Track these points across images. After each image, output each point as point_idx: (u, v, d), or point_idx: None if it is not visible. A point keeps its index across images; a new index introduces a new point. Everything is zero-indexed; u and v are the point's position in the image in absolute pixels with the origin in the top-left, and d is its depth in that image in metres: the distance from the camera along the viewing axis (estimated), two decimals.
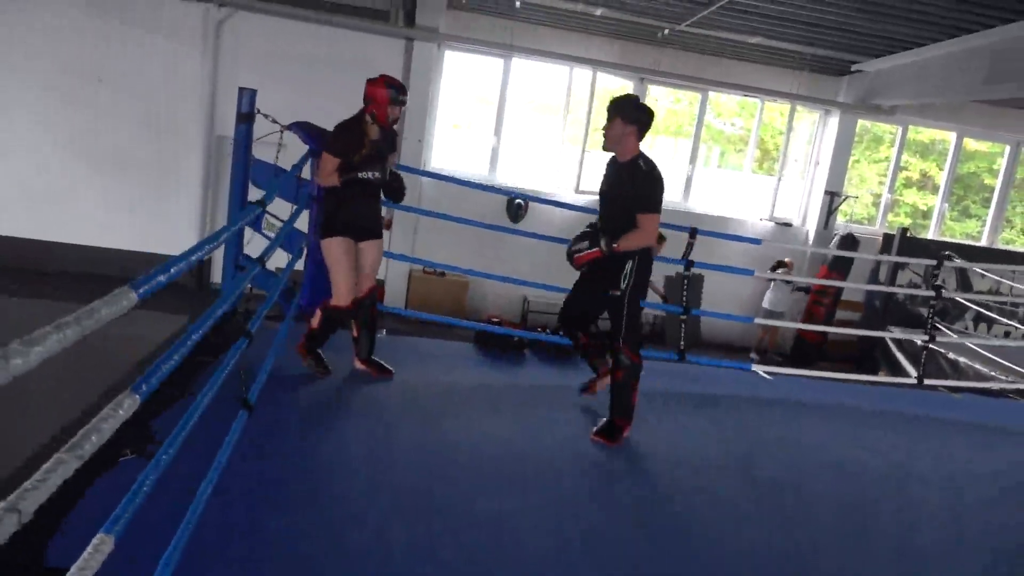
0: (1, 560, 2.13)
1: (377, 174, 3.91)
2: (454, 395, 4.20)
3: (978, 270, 9.45)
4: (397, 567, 2.52)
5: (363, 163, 3.83)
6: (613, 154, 3.76)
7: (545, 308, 9.58)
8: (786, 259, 9.99)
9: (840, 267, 10.47)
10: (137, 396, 1.42)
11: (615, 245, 3.63)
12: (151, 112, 9.05)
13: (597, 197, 3.90)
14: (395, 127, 4.03)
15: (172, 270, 1.65)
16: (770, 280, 10.07)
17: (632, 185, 3.62)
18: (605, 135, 3.69)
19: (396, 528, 2.75)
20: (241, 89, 4.55)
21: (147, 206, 9.19)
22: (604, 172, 3.84)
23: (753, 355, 10.09)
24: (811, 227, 10.87)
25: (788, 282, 10.00)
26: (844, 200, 10.75)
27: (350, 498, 2.92)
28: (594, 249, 3.66)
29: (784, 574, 2.87)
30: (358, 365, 4.21)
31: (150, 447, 2.88)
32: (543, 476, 3.35)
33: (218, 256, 4.75)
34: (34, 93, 8.84)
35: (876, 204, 11.63)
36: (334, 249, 3.88)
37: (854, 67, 9.77)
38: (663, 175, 3.68)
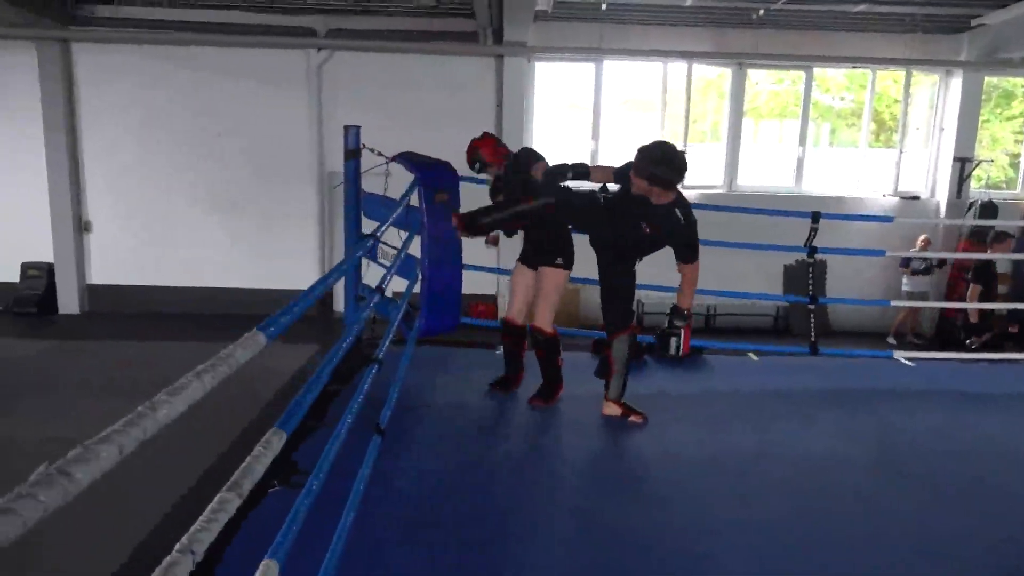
0: None
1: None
2: (579, 407, 4.16)
3: None
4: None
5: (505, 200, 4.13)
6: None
7: (661, 309, 9.36)
8: (922, 236, 9.38)
9: (979, 238, 9.67)
10: (283, 432, 1.49)
11: (687, 312, 3.63)
12: (266, 156, 9.63)
13: (699, 191, 3.80)
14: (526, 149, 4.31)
15: (296, 309, 1.73)
16: (906, 259, 9.44)
17: (671, 235, 3.55)
18: (635, 186, 3.54)
19: (526, 540, 2.74)
20: (346, 127, 4.75)
21: (269, 245, 9.76)
22: (593, 215, 3.77)
23: (891, 339, 9.48)
24: (942, 198, 10.12)
25: (925, 260, 9.36)
26: (977, 165, 9.94)
27: (477, 511, 2.95)
28: (683, 334, 3.62)
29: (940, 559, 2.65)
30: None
31: (294, 478, 3.02)
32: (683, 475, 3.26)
33: (339, 286, 4.99)
34: (159, 152, 9.61)
35: (1014, 165, 10.68)
36: (513, 273, 4.30)
37: (974, 22, 9.04)
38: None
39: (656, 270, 4.18)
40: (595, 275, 3.97)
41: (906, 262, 9.51)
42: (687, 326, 3.58)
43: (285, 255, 9.69)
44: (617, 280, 3.85)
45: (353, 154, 4.74)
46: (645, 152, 3.45)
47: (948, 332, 9.70)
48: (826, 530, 2.88)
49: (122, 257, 9.81)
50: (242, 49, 9.33)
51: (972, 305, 7.76)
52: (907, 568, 2.64)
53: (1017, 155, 10.62)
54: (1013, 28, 8.89)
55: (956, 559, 2.70)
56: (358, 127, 4.76)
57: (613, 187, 3.86)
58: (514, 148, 10.26)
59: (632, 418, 3.83)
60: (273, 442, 1.41)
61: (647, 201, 3.53)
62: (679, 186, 3.57)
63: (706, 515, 3.00)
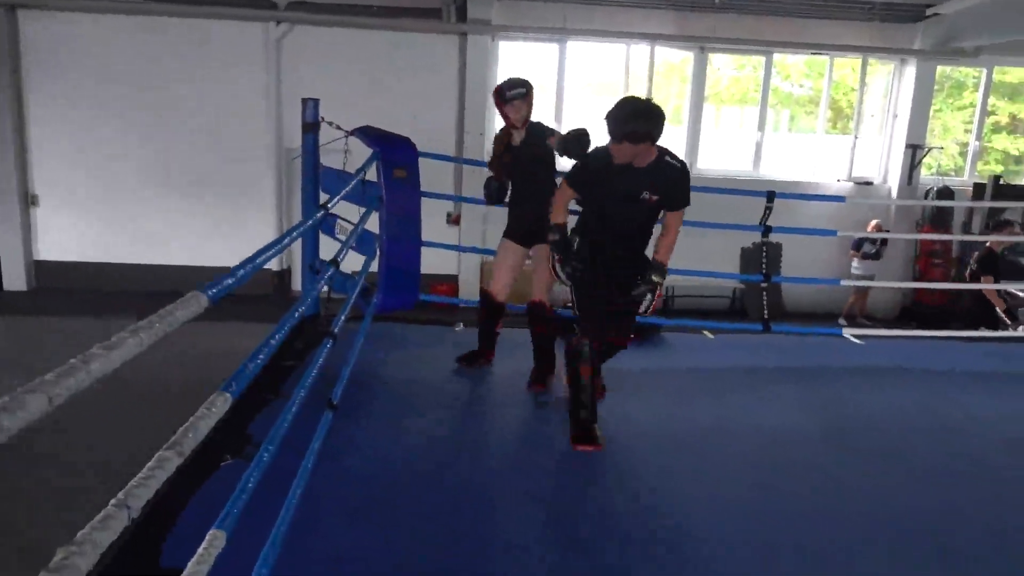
0: (119, 562, 2.25)
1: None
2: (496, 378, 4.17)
3: None
4: (494, 561, 2.53)
5: (513, 168, 3.91)
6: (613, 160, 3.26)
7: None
8: (874, 221, 9.63)
9: (940, 224, 9.98)
10: (228, 395, 1.48)
11: (662, 261, 3.37)
12: (222, 131, 9.41)
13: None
14: (537, 124, 3.90)
15: (241, 273, 1.71)
16: (858, 243, 9.69)
17: (671, 186, 3.28)
18: (616, 155, 3.19)
19: (485, 519, 2.77)
20: (304, 100, 4.67)
21: (224, 222, 9.56)
22: (603, 177, 3.31)
23: (841, 321, 9.73)
24: (893, 184, 10.36)
25: (874, 244, 9.61)
26: (928, 152, 10.20)
27: (430, 493, 2.95)
28: (655, 291, 3.35)
29: (895, 535, 2.75)
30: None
31: (248, 450, 2.99)
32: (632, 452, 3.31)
33: (298, 266, 4.97)
34: (111, 125, 9.33)
35: (963, 154, 10.98)
36: (499, 249, 4.12)
37: (929, 11, 9.24)
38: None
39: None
40: None
41: (857, 245, 9.74)
42: (659, 288, 3.33)
43: (241, 232, 9.51)
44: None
45: (311, 127, 4.67)
46: (615, 114, 3.14)
47: (919, 315, 10.01)
48: (785, 503, 2.95)
49: (71, 233, 9.53)
50: (199, 20, 9.08)
51: (919, 285, 7.98)
52: (864, 540, 2.72)
53: (966, 144, 10.91)
54: (966, 18, 9.10)
55: (911, 531, 2.80)
56: (316, 100, 4.69)
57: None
58: (476, 128, 10.16)
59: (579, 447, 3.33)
60: (217, 403, 1.39)
61: (631, 168, 3.23)
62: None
63: (668, 490, 3.06)
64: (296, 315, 2.31)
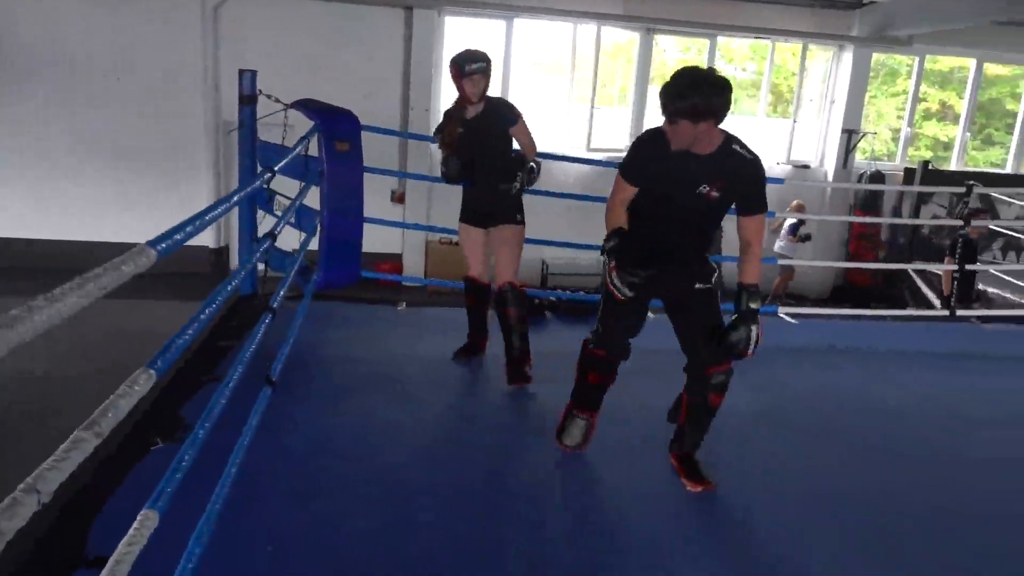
0: (41, 552, 2.17)
1: (512, 184, 3.63)
2: (476, 363, 4.16)
3: (1004, 197, 9.22)
4: (416, 539, 2.52)
5: (462, 145, 3.67)
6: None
7: (564, 269, 9.51)
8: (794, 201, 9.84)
9: (870, 207, 10.31)
10: (152, 371, 1.41)
11: (756, 284, 2.73)
12: (156, 102, 9.02)
13: (605, 153, 3.31)
14: (501, 100, 3.82)
15: (188, 229, 1.65)
16: (776, 226, 9.91)
17: (739, 180, 2.66)
18: (672, 138, 2.62)
19: (416, 499, 2.75)
20: (241, 71, 4.52)
21: (159, 197, 9.18)
22: (652, 173, 2.74)
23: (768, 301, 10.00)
24: (830, 167, 10.66)
25: (794, 228, 9.84)
26: (862, 137, 10.50)
27: (366, 472, 2.93)
28: (756, 322, 2.68)
29: (829, 517, 2.84)
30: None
31: (180, 433, 2.91)
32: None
33: (236, 244, 4.82)
34: (41, 94, 8.86)
35: (896, 139, 11.35)
36: (459, 234, 3.92)
37: None
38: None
39: (562, 230, 4.21)
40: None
41: (794, 229, 9.96)
42: (759, 329, 2.66)
43: (177, 208, 9.07)
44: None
45: (248, 100, 4.52)
46: (670, 86, 2.56)
47: (851, 295, 10.36)
48: (721, 485, 2.98)
49: None
50: None
51: (848, 264, 8.24)
52: (803, 520, 2.79)
53: (898, 130, 11.28)
54: (900, 6, 9.36)
55: (851, 511, 2.87)
56: (254, 71, 4.54)
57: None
58: (421, 104, 9.99)
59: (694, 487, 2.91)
60: (140, 381, 1.33)
61: (690, 155, 2.64)
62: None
63: (605, 468, 3.09)
64: (229, 289, 2.24)
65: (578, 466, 3.07)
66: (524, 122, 3.72)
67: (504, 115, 3.70)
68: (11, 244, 9.04)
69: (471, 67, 3.55)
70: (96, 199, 9.17)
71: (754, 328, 2.65)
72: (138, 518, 1.63)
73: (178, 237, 1.56)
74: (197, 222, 1.72)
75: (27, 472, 1.00)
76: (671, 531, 2.68)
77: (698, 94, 2.50)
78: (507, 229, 3.73)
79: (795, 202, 9.86)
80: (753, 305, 2.67)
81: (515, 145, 3.80)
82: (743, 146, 2.67)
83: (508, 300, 3.72)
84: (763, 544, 2.62)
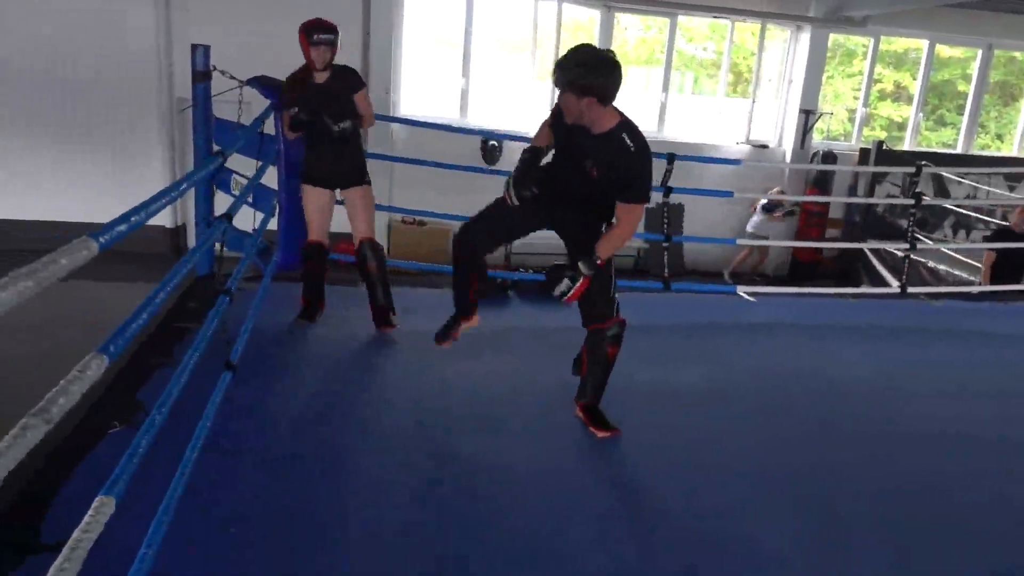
0: None
1: (344, 124, 3.83)
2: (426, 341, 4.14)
3: (954, 177, 9.48)
4: (387, 521, 2.54)
5: (310, 109, 3.79)
6: None
7: (527, 249, 9.48)
8: (776, 188, 10.06)
9: (822, 186, 10.50)
10: (104, 356, 1.39)
11: (599, 260, 2.86)
12: (107, 79, 8.74)
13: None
14: (347, 68, 3.98)
15: (134, 218, 1.62)
16: (753, 205, 10.12)
17: (615, 168, 2.79)
18: (563, 108, 2.77)
19: (386, 479, 2.77)
20: (194, 46, 4.39)
21: (111, 177, 8.94)
22: (559, 130, 2.92)
23: (727, 278, 10.20)
24: (788, 147, 10.82)
25: (772, 208, 10.09)
26: (819, 117, 10.68)
27: (333, 452, 2.93)
28: (580, 281, 2.85)
29: (776, 493, 2.92)
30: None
31: (138, 416, 2.86)
32: (534, 410, 3.37)
33: (193, 225, 4.73)
34: None
35: (852, 120, 11.56)
36: (304, 194, 3.99)
37: None
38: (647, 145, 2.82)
39: None
40: None
41: (771, 207, 10.15)
42: (587, 278, 2.86)
43: (130, 188, 8.91)
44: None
45: (202, 76, 4.40)
46: (561, 59, 2.71)
47: (799, 271, 10.56)
48: (666, 459, 3.05)
49: None
50: None
51: (814, 244, 8.39)
52: (748, 498, 2.85)
53: (855, 110, 11.48)
54: None
55: (797, 489, 2.94)
56: (207, 46, 4.41)
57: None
58: (381, 84, 9.88)
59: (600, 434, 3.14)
60: (92, 366, 1.31)
61: (582, 129, 2.79)
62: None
63: (538, 441, 3.12)
64: (184, 271, 2.20)
65: (521, 448, 3.10)
66: (366, 91, 4.02)
67: (350, 81, 3.93)
68: None
69: (319, 37, 3.76)
70: (47, 179, 8.88)
71: (565, 281, 2.85)
72: (94, 504, 1.61)
73: (121, 228, 1.53)
74: (142, 212, 1.68)
75: None
76: (619, 508, 2.73)
77: (580, 69, 2.64)
78: (357, 191, 4.00)
79: (776, 188, 10.07)
80: (582, 265, 2.84)
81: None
82: (633, 135, 2.76)
83: (368, 256, 4.04)
84: (713, 520, 2.66)
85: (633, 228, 2.92)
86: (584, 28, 10.43)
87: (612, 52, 2.76)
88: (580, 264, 2.85)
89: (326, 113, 3.81)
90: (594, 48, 2.77)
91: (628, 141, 2.75)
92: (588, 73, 2.63)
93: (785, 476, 3.01)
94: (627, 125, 2.78)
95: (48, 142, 8.80)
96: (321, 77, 3.88)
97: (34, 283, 1.08)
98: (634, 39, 10.96)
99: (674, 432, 3.28)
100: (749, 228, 10.24)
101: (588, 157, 2.81)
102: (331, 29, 3.81)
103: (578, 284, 2.85)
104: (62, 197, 8.87)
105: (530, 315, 4.75)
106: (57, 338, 5.16)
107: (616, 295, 3.06)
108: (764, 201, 10.07)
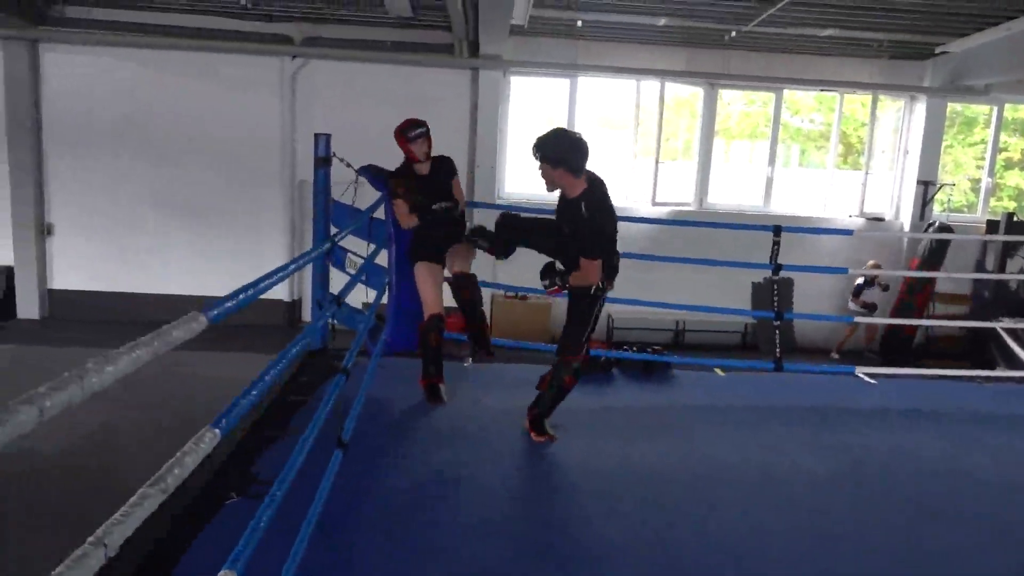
0: None
1: (446, 204, 4.16)
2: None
3: None
4: None
5: (424, 198, 4.12)
6: None
7: (631, 324, 9.42)
8: (870, 262, 9.59)
9: (933, 260, 9.88)
10: (217, 431, 1.46)
11: (568, 284, 3.59)
12: (236, 164, 9.51)
13: (670, 207, 3.85)
14: (444, 157, 4.29)
15: (242, 296, 1.71)
16: (859, 281, 9.66)
17: (575, 227, 3.47)
18: (543, 178, 3.49)
19: (500, 560, 2.72)
20: (317, 135, 4.71)
21: (237, 254, 9.61)
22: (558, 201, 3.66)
23: (834, 355, 9.69)
24: (905, 220, 10.33)
25: (877, 284, 9.61)
26: (939, 188, 10.17)
27: (444, 532, 2.91)
28: (555, 287, 3.61)
29: None
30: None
31: (253, 488, 2.96)
32: (643, 491, 3.26)
33: (310, 298, 5.00)
34: (126, 156, 9.45)
35: (975, 190, 10.95)
36: (421, 271, 4.16)
37: (938, 49, 9.28)
38: (611, 208, 3.54)
39: (627, 286, 4.22)
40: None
41: (857, 292, 9.69)
42: (557, 288, 3.59)
43: (253, 264, 9.49)
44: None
45: (323, 162, 4.70)
46: (541, 143, 3.42)
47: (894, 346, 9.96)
48: (780, 547, 2.89)
49: (85, 262, 9.61)
50: (216, 54, 9.24)
51: (926, 322, 7.83)
52: None
53: (978, 180, 10.88)
54: (975, 56, 9.13)
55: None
56: (328, 135, 4.73)
57: None
58: (488, 162, 10.24)
59: (538, 438, 3.74)
60: (206, 439, 1.38)
61: (564, 196, 3.53)
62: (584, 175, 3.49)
63: (678, 526, 3.01)
64: (296, 351, 2.30)
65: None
66: (458, 177, 4.39)
67: (449, 168, 4.29)
68: (98, 296, 9.56)
69: (414, 133, 4.09)
70: (178, 254, 9.64)
71: (552, 279, 3.62)
72: None
73: (230, 304, 1.63)
74: (250, 290, 1.79)
75: (93, 528, 1.04)
76: None
77: (546, 146, 3.39)
78: (459, 245, 4.28)
79: (870, 262, 9.60)
80: (560, 278, 3.60)
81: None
82: (589, 205, 3.42)
83: (463, 282, 4.31)
84: None
85: (588, 275, 3.51)
86: (687, 103, 10.49)
87: (580, 133, 3.46)
88: (558, 277, 3.61)
89: (438, 199, 4.12)
90: (560, 130, 3.52)
91: (583, 209, 3.41)
92: (553, 148, 3.38)
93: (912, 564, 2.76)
94: (589, 195, 3.45)
95: (181, 223, 9.58)
96: (423, 168, 4.17)
97: (147, 352, 1.15)
98: (737, 113, 10.92)
99: (783, 518, 3.07)
100: (851, 306, 9.76)
101: (565, 218, 3.54)
102: (422, 124, 4.13)
103: (555, 287, 3.60)
104: (201, 272, 9.55)
105: (633, 394, 4.66)
106: (178, 406, 5.48)
107: (586, 340, 3.65)
108: (858, 282, 9.62)
